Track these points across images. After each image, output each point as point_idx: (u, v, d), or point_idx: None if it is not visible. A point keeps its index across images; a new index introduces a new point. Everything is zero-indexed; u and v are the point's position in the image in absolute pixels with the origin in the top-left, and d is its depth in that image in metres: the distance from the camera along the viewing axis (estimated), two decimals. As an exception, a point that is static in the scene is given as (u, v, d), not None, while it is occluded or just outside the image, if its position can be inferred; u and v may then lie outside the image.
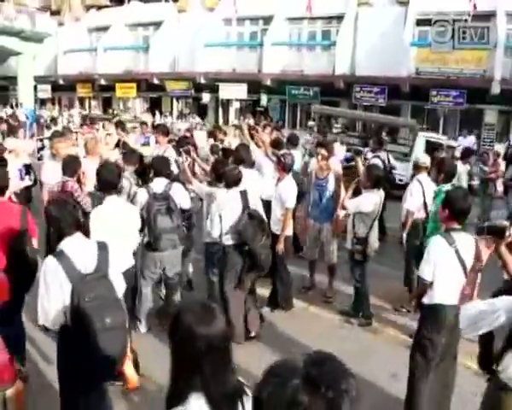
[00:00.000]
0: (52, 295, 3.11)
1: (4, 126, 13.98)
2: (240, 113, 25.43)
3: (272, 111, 24.49)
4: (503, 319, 2.91)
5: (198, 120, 24.38)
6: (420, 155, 8.23)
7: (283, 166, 6.14)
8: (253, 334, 5.53)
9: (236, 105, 25.86)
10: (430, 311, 4.10)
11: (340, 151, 10.24)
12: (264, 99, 23.92)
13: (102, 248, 3.31)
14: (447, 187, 5.60)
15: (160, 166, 5.68)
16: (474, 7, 18.24)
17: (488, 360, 3.27)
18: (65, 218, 3.29)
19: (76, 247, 3.25)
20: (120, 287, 3.37)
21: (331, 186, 6.56)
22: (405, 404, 4.21)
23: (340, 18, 22.34)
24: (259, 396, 1.23)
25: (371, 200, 5.80)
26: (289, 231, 6.15)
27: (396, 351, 5.14)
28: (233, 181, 5.38)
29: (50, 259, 3.18)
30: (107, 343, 3.05)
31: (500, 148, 15.30)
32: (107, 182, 4.67)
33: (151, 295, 5.70)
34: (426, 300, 4.10)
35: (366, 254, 5.89)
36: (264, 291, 6.40)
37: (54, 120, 15.17)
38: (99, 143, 7.99)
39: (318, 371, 1.18)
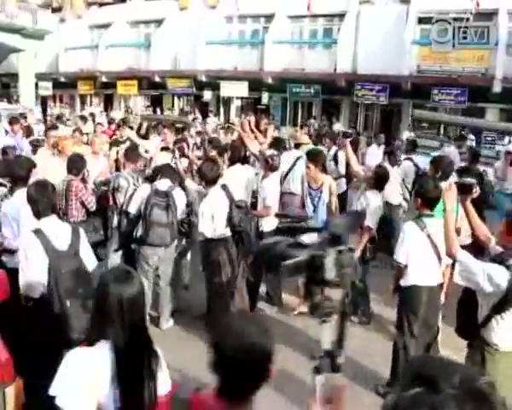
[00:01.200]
0: (32, 267, 3.48)
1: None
2: (241, 111, 25.40)
3: (273, 109, 24.47)
4: (487, 286, 3.17)
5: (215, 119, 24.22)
6: None
7: (270, 167, 6.16)
8: None
9: (237, 103, 25.83)
10: (407, 292, 4.49)
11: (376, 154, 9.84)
12: (265, 97, 23.89)
13: (75, 230, 3.74)
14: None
15: (166, 168, 5.81)
16: (477, 4, 18.19)
17: (469, 328, 3.49)
18: (43, 200, 3.66)
19: (52, 227, 3.62)
20: (91, 264, 3.80)
21: (326, 196, 6.28)
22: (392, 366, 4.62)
23: (341, 16, 22.28)
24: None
25: (378, 200, 5.82)
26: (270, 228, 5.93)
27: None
28: (211, 178, 5.45)
29: (30, 235, 3.53)
30: (79, 313, 3.44)
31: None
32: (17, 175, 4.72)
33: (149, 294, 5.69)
34: (402, 282, 4.50)
35: (373, 253, 5.95)
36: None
37: (60, 119, 14.91)
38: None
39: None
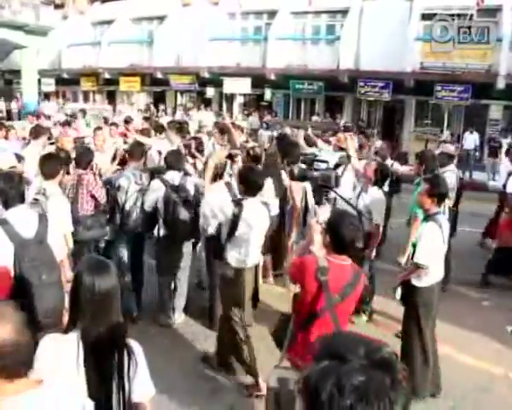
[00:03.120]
0: None
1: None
2: (244, 107, 25.39)
3: (276, 106, 24.45)
4: None
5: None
6: None
7: (252, 158, 6.16)
8: None
9: (240, 99, 25.80)
10: (425, 293, 4.40)
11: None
12: (268, 93, 23.86)
13: (43, 218, 3.82)
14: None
15: (173, 160, 5.78)
16: (481, 1, 18.11)
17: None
18: (10, 190, 3.79)
19: (19, 216, 3.72)
20: (59, 252, 3.97)
21: None
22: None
23: (344, 12, 22.22)
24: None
25: (382, 197, 5.82)
26: None
27: (399, 344, 5.13)
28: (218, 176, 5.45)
29: None
30: (44, 297, 3.54)
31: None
32: None
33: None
34: (418, 283, 4.39)
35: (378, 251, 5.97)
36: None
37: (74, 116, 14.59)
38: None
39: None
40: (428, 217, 4.40)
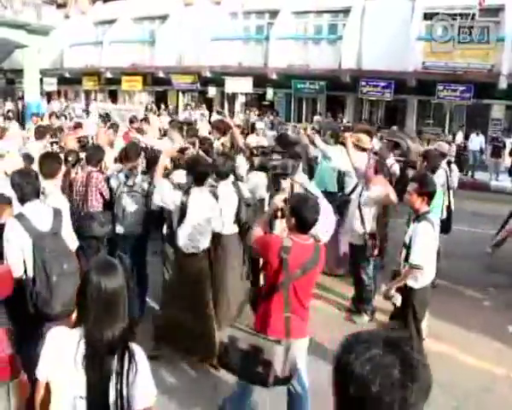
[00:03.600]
0: (12, 248, 3.73)
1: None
2: (245, 106, 25.39)
3: (278, 105, 24.44)
4: None
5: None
6: None
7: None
8: None
9: (242, 99, 25.81)
10: (420, 293, 4.39)
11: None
12: (269, 93, 23.86)
13: (57, 212, 3.98)
14: None
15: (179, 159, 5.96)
16: (483, 0, 18.08)
17: None
18: (26, 185, 3.90)
19: (35, 210, 3.86)
20: (72, 244, 4.18)
21: None
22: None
23: (346, 12, 22.21)
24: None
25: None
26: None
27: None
28: (224, 172, 5.45)
29: (12, 220, 3.79)
30: (65, 285, 3.69)
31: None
32: None
33: None
34: (415, 284, 4.38)
35: (381, 250, 5.95)
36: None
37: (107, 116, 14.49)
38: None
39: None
40: (420, 216, 4.39)
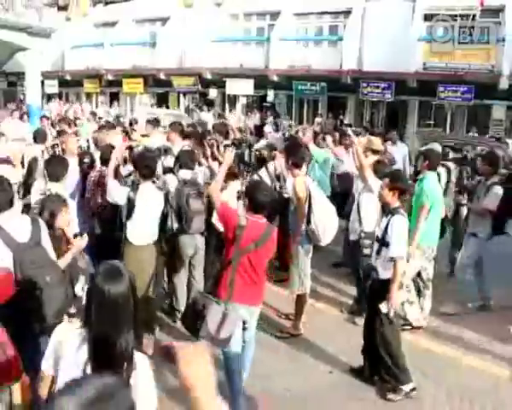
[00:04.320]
0: None
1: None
2: (246, 108, 25.40)
3: (279, 107, 24.44)
4: None
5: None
6: None
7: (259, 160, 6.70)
8: None
9: (243, 101, 25.82)
10: (387, 284, 4.47)
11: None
12: (270, 94, 23.85)
13: (35, 221, 3.79)
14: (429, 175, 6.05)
15: (186, 159, 6.03)
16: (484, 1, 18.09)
17: None
18: (0, 195, 3.69)
19: (11, 220, 3.67)
20: (53, 253, 3.91)
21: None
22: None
23: (347, 13, 22.21)
24: None
25: None
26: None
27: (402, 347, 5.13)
28: (232, 172, 5.59)
29: None
30: (52, 298, 3.57)
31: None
32: None
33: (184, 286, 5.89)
34: (389, 275, 4.47)
35: None
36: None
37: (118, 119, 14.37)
38: None
39: None
40: (392, 211, 4.53)
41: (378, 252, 4.60)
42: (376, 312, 4.55)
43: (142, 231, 5.05)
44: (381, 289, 4.50)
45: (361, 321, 5.98)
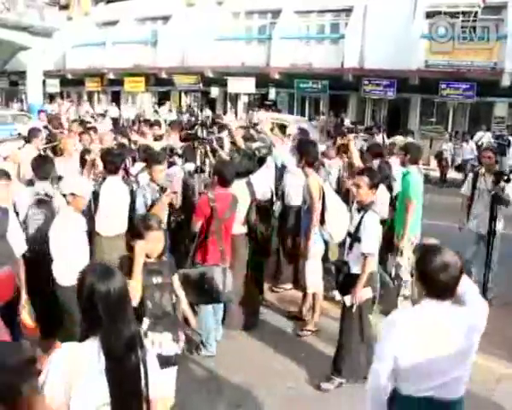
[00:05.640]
0: None
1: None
2: (248, 106, 25.38)
3: (281, 105, 24.42)
4: None
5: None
6: None
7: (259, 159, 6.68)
8: None
9: (245, 99, 25.81)
10: (355, 279, 4.53)
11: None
12: (272, 93, 23.83)
13: (4, 212, 3.89)
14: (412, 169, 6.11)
15: (188, 151, 6.55)
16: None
17: None
18: None
19: None
20: (19, 247, 4.04)
21: None
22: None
23: (348, 11, 22.20)
24: None
25: (386, 191, 5.86)
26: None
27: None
28: (239, 172, 5.46)
29: None
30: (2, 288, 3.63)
31: None
32: None
33: None
34: (359, 270, 4.51)
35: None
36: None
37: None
38: None
39: None
40: (366, 207, 4.53)
41: (350, 247, 4.63)
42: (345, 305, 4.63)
43: (108, 222, 5.10)
44: (352, 283, 4.55)
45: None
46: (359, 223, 4.52)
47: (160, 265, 3.55)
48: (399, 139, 8.31)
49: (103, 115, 18.12)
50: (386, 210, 6.13)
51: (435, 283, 2.45)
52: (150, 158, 5.57)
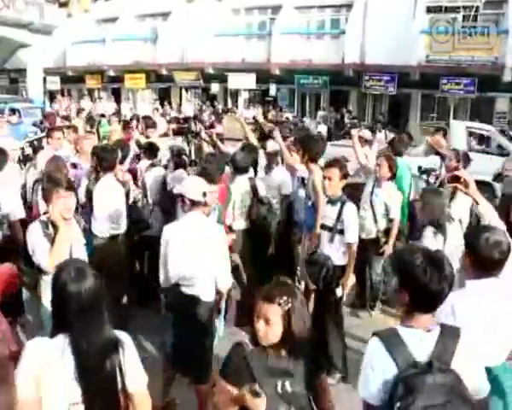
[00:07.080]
0: None
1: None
2: (249, 102, 25.37)
3: (281, 100, 24.40)
4: None
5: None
6: None
7: (270, 160, 6.26)
8: None
9: (245, 95, 25.78)
10: (343, 268, 4.59)
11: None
12: (272, 89, 23.83)
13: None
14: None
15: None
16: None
17: None
18: None
19: None
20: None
21: None
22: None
23: (349, 6, 22.16)
24: None
25: (397, 191, 5.83)
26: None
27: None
28: (242, 167, 5.44)
29: None
30: None
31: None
32: None
33: None
34: (344, 261, 4.57)
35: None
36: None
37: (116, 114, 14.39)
38: None
39: None
40: (341, 198, 4.57)
41: (331, 240, 4.60)
42: (329, 298, 4.64)
43: (102, 223, 4.93)
44: (337, 275, 4.58)
45: (365, 314, 6.00)
46: (339, 215, 4.52)
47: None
48: (366, 133, 8.12)
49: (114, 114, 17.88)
50: (397, 209, 5.93)
51: (488, 259, 2.65)
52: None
